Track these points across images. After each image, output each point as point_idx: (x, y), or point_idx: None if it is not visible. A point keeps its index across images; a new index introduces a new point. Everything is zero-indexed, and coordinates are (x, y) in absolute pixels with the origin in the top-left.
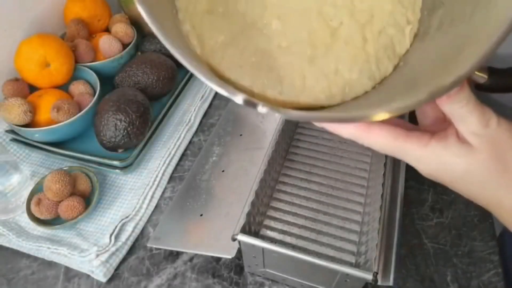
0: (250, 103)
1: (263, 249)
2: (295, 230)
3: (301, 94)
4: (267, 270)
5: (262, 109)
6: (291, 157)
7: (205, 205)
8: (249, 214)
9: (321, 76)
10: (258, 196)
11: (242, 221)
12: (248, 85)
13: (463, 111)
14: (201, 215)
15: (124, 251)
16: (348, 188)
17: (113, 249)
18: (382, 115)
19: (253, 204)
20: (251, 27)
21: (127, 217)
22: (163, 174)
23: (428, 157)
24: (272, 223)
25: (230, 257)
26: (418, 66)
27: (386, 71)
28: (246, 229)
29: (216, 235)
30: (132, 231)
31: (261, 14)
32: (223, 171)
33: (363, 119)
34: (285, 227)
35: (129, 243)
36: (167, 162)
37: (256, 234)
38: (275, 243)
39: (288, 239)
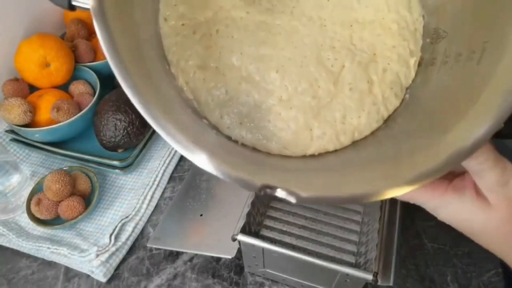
0: (267, 190)
1: (263, 249)
2: (295, 230)
3: (309, 147)
4: (267, 270)
5: (280, 193)
6: None
7: (205, 205)
8: (249, 214)
9: (327, 126)
10: (258, 196)
11: (242, 221)
12: (250, 143)
13: (482, 167)
14: (201, 215)
15: (124, 251)
16: None
17: (113, 249)
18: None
19: (253, 204)
20: (247, 81)
21: (127, 217)
22: (163, 174)
23: (446, 208)
24: (272, 223)
25: (230, 257)
26: (427, 103)
27: (394, 107)
28: (246, 229)
29: (216, 235)
30: (132, 231)
31: (257, 68)
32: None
33: (387, 196)
34: (285, 227)
35: (129, 243)
36: (167, 162)
37: (256, 234)
38: (275, 243)
39: (288, 239)
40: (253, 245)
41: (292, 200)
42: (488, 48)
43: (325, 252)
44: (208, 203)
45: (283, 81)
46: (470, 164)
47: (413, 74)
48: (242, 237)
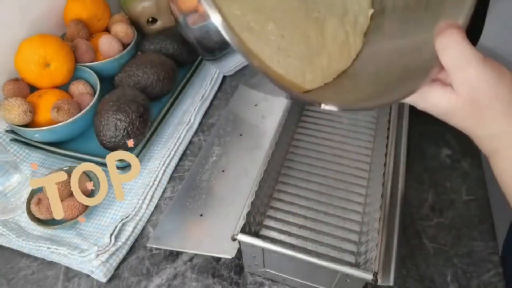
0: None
1: (263, 249)
2: (295, 230)
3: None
4: (267, 270)
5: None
6: (291, 157)
7: (205, 205)
8: (249, 214)
9: (318, 72)
10: (258, 196)
11: (242, 221)
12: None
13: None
14: (201, 215)
15: (124, 251)
16: (348, 188)
17: (113, 249)
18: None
19: (253, 204)
20: (249, 30)
21: (127, 217)
22: (163, 174)
23: (423, 99)
24: (272, 223)
25: (230, 257)
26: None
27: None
28: (246, 229)
29: (216, 235)
30: (132, 231)
31: (256, 18)
32: (223, 171)
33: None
34: (285, 227)
35: (129, 243)
36: (167, 162)
37: (256, 234)
38: (275, 243)
39: (288, 239)
40: (253, 245)
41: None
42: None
43: (325, 252)
44: (208, 203)
45: (280, 31)
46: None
47: (368, 22)
48: (242, 237)
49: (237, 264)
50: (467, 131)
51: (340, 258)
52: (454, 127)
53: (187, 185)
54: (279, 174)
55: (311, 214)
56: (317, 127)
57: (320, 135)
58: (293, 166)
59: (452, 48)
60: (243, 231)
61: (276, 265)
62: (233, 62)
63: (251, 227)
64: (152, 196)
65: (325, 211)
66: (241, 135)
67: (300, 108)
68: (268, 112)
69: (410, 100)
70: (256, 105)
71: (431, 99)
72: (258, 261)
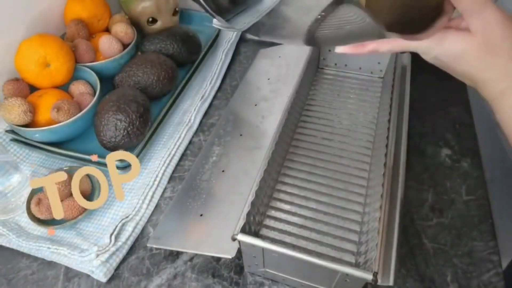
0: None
1: (263, 249)
2: (295, 230)
3: None
4: (267, 270)
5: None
6: (291, 157)
7: (205, 205)
8: (249, 214)
9: None
10: (258, 196)
11: (242, 221)
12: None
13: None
14: (201, 215)
15: (124, 251)
16: (348, 188)
17: (113, 249)
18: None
19: (253, 204)
20: None
21: (127, 217)
22: (163, 174)
23: (434, 47)
24: (272, 223)
25: (230, 257)
26: None
27: None
28: (246, 229)
29: (216, 235)
30: (132, 231)
31: None
32: (223, 171)
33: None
34: (285, 227)
35: (129, 243)
36: (167, 162)
37: (256, 234)
38: (275, 243)
39: (288, 239)
40: (253, 245)
41: None
42: None
43: (325, 252)
44: (208, 203)
45: None
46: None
47: None
48: (242, 237)
49: (237, 264)
50: (473, 76)
51: (340, 258)
52: (460, 77)
53: (187, 185)
54: (279, 174)
55: (311, 214)
56: (317, 127)
57: (320, 135)
58: (293, 166)
59: None
60: (243, 231)
61: (276, 265)
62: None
63: (251, 227)
64: (152, 196)
65: (325, 211)
66: (241, 135)
67: (300, 108)
68: (268, 112)
69: (426, 45)
70: (256, 105)
71: (447, 42)
72: (258, 261)
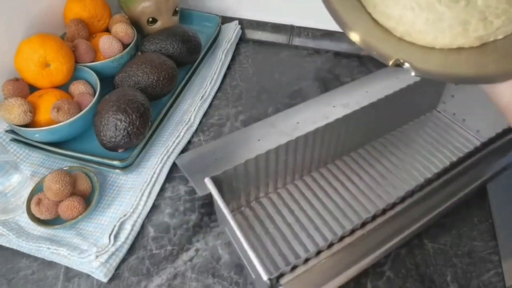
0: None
1: None
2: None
3: (436, 42)
4: None
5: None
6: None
7: None
8: None
9: (461, 24)
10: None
11: None
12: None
13: None
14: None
15: (124, 251)
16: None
17: (113, 249)
18: None
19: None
20: None
21: (125, 215)
22: (160, 171)
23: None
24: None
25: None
26: None
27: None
28: None
29: None
30: (131, 229)
31: None
32: (258, 140)
33: None
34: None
35: (129, 242)
36: (164, 159)
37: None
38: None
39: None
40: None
41: (412, 72)
42: None
43: None
44: None
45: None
46: None
47: None
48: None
49: (237, 264)
50: None
51: None
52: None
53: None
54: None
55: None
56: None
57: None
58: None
59: None
60: None
61: None
62: None
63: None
64: (150, 193)
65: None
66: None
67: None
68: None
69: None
70: (259, 140)
71: (498, 87)
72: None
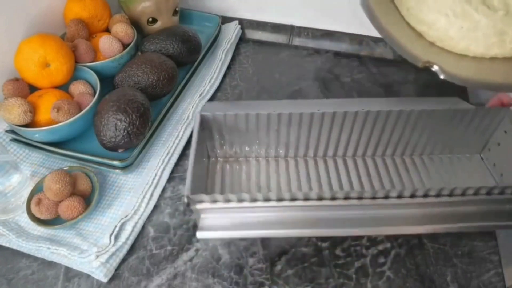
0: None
1: None
2: None
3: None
4: None
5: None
6: None
7: None
8: None
9: (497, 33)
10: None
11: None
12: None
13: None
14: None
15: (124, 251)
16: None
17: (113, 249)
18: None
19: None
20: None
21: (126, 216)
22: (162, 172)
23: None
24: None
25: None
26: None
27: None
28: None
29: None
30: (132, 230)
31: None
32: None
33: None
34: None
35: (129, 242)
36: (166, 160)
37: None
38: None
39: None
40: None
41: (441, 75)
42: None
43: None
44: None
45: None
46: None
47: None
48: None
49: (237, 264)
50: None
51: None
52: None
53: None
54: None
55: None
56: None
57: None
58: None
59: None
60: None
61: None
62: None
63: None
64: (151, 195)
65: None
66: None
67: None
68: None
69: None
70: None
71: None
72: None
